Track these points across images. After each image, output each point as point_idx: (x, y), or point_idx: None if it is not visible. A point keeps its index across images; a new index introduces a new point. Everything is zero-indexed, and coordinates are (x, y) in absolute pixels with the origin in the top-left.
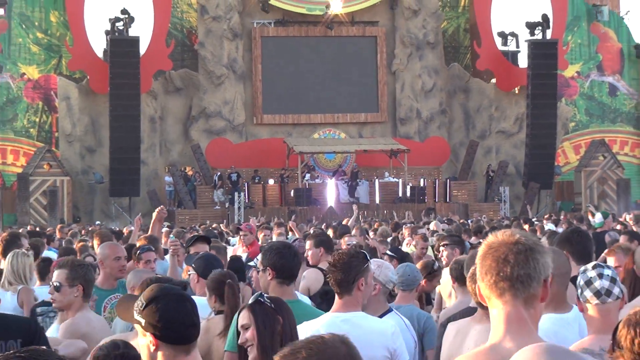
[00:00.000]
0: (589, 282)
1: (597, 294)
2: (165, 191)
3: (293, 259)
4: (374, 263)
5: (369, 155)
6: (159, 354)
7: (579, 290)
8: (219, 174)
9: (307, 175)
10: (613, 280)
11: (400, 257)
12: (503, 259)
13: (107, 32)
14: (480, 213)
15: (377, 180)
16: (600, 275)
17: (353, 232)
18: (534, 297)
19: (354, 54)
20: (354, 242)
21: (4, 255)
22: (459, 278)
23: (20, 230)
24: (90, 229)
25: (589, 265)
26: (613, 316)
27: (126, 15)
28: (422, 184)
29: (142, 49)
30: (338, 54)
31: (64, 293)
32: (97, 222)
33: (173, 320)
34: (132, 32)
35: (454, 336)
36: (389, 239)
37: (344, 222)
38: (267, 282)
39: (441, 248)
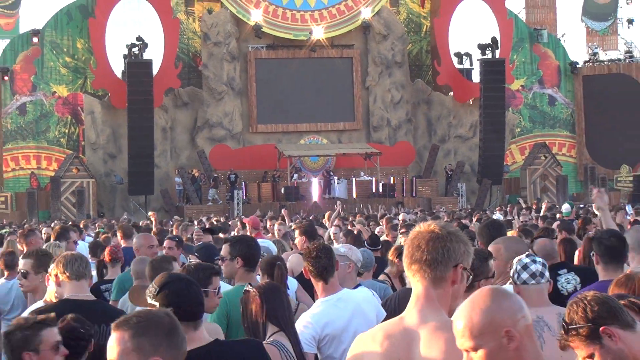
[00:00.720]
0: (525, 267)
1: (533, 275)
2: (175, 190)
3: (258, 250)
4: (345, 247)
5: (347, 158)
6: None
7: (516, 275)
8: (215, 175)
9: (295, 175)
10: (544, 265)
11: (374, 242)
12: (417, 245)
13: (124, 56)
14: (442, 205)
15: (353, 178)
16: (534, 261)
17: (335, 222)
18: (442, 279)
19: (334, 72)
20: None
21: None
22: None
23: (53, 225)
24: (117, 221)
25: (523, 255)
26: (545, 294)
27: (141, 42)
28: (392, 182)
29: (155, 69)
30: (320, 72)
31: (30, 279)
32: (125, 217)
33: (183, 300)
34: (146, 55)
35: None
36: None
37: (326, 215)
38: (235, 270)
39: (399, 235)
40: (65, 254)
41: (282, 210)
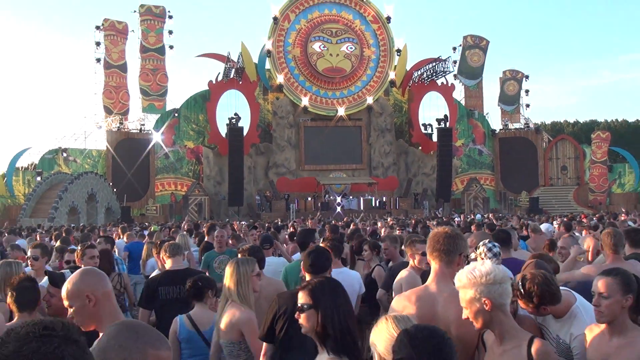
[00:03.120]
0: (489, 249)
1: (495, 255)
2: (256, 204)
3: (308, 237)
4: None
5: (357, 185)
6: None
7: (483, 254)
8: (260, 195)
9: (327, 195)
10: (499, 250)
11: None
12: (437, 240)
13: (227, 124)
14: (413, 215)
15: (361, 198)
16: (494, 245)
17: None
18: (453, 262)
19: (350, 135)
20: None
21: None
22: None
23: (183, 225)
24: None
25: (486, 240)
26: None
27: (237, 116)
28: (384, 200)
29: (245, 132)
30: (341, 134)
31: (40, 262)
32: (227, 219)
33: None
34: (240, 124)
35: (405, 280)
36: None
37: (344, 220)
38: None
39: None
40: (168, 243)
41: (309, 220)
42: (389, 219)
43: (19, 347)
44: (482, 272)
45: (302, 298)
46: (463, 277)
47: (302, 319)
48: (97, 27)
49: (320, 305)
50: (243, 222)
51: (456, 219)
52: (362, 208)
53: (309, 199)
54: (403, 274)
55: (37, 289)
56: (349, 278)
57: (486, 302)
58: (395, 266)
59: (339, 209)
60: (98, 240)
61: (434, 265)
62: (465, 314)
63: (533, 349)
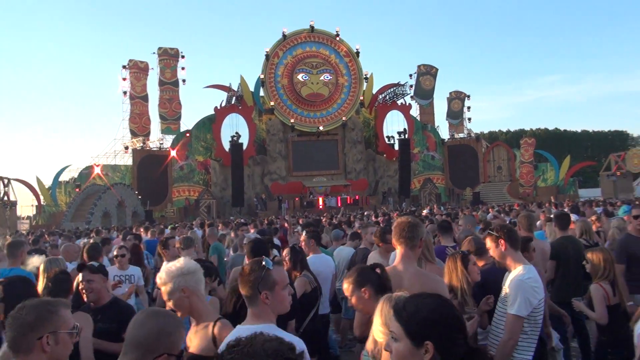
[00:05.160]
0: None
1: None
2: (254, 204)
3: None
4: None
5: (335, 187)
6: None
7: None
8: (257, 197)
9: (311, 196)
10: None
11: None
12: (402, 228)
13: (230, 141)
14: (380, 209)
15: (338, 197)
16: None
17: (339, 216)
18: (415, 246)
19: (329, 146)
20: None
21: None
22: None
23: (193, 223)
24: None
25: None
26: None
27: (237, 134)
28: (357, 198)
29: (244, 147)
30: (322, 146)
31: (125, 258)
32: (232, 217)
33: None
34: (240, 140)
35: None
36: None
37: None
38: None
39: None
40: (182, 236)
41: (287, 220)
42: (365, 213)
43: None
44: (177, 266)
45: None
46: (163, 275)
47: None
48: (124, 66)
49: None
50: (242, 220)
51: (425, 211)
52: (339, 205)
53: (297, 199)
54: (373, 255)
55: (70, 280)
56: (325, 261)
57: (184, 290)
58: (359, 250)
59: (320, 206)
60: (128, 237)
61: (399, 249)
62: (169, 305)
63: (215, 329)
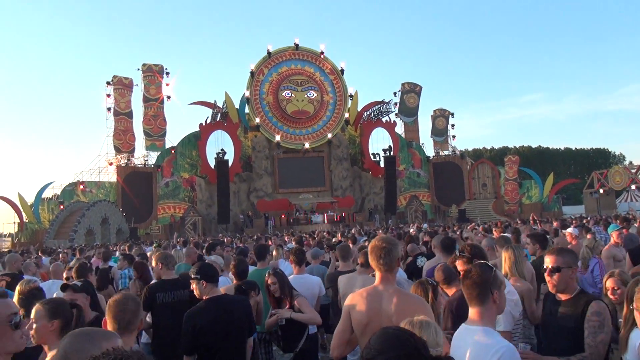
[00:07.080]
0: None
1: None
2: (240, 221)
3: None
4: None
5: (322, 204)
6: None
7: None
8: (243, 214)
9: (297, 213)
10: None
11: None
12: (378, 255)
13: (215, 158)
14: (367, 225)
15: (325, 214)
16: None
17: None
18: (393, 268)
19: (314, 163)
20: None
21: (208, 253)
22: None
23: (175, 241)
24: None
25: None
26: None
27: (222, 151)
28: (343, 215)
29: (230, 163)
30: (308, 163)
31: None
32: (220, 234)
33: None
34: (226, 157)
35: (346, 281)
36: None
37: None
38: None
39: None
40: (164, 253)
41: (273, 238)
42: (352, 230)
43: None
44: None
45: None
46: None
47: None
48: (108, 82)
49: None
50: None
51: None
52: (326, 222)
53: (283, 215)
54: (348, 277)
55: (42, 296)
56: (310, 283)
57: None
58: (331, 272)
59: (306, 222)
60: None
61: (378, 273)
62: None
63: None
